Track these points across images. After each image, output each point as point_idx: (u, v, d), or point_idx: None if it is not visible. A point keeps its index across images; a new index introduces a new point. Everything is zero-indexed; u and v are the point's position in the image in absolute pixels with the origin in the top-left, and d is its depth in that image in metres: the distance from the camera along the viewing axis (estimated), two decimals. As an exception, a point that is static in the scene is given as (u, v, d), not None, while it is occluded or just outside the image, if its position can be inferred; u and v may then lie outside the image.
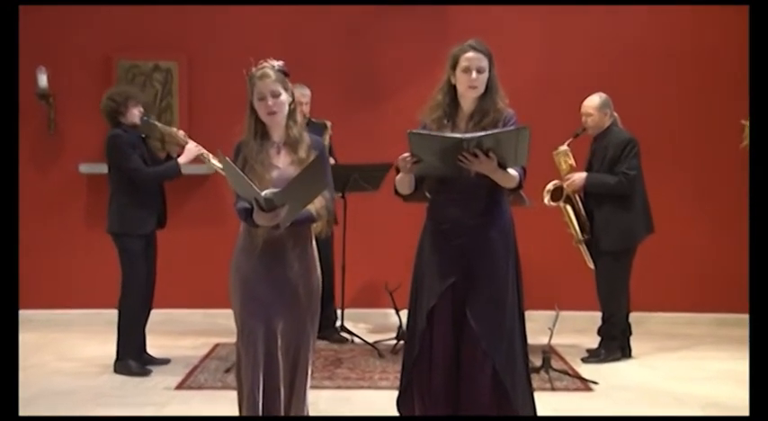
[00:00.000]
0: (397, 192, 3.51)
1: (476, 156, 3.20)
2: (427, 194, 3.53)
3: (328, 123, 5.68)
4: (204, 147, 5.00)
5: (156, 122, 5.11)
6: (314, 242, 3.36)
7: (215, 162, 4.91)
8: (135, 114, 4.96)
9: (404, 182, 3.43)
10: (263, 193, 3.05)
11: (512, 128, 3.27)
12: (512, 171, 3.30)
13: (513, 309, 3.43)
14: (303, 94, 5.68)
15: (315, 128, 5.69)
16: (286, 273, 3.26)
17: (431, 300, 3.40)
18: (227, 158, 3.10)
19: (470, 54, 3.38)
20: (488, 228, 3.40)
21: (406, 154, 3.28)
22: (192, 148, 5.00)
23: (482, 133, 3.23)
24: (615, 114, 5.36)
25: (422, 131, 3.34)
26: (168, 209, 5.14)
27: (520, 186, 3.38)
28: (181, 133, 5.08)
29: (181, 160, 4.99)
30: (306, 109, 5.71)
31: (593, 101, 5.31)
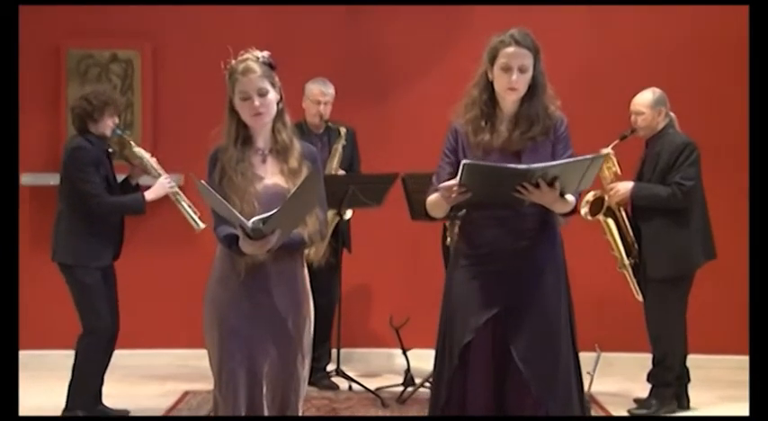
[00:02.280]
0: (426, 214, 3.53)
1: (537, 186, 3.23)
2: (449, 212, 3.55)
3: (342, 130, 5.68)
4: (172, 156, 5.03)
5: (131, 141, 5.21)
6: (305, 266, 3.39)
7: (188, 208, 5.04)
8: (108, 125, 5.02)
9: (440, 207, 3.44)
10: (249, 223, 3.08)
11: (587, 157, 3.28)
12: (569, 196, 3.33)
13: (568, 347, 3.43)
14: (324, 92, 5.71)
15: (330, 133, 5.72)
16: (273, 304, 3.27)
17: (466, 336, 3.39)
18: (204, 183, 3.13)
19: (511, 49, 3.37)
20: (536, 250, 3.42)
21: (452, 182, 3.28)
22: (165, 184, 5.08)
23: (552, 163, 3.27)
24: (672, 115, 5.36)
25: (479, 162, 3.32)
26: (125, 232, 5.17)
27: (573, 212, 3.42)
28: (153, 161, 5.14)
29: (148, 196, 5.06)
30: (326, 110, 5.73)
31: (646, 97, 5.32)
